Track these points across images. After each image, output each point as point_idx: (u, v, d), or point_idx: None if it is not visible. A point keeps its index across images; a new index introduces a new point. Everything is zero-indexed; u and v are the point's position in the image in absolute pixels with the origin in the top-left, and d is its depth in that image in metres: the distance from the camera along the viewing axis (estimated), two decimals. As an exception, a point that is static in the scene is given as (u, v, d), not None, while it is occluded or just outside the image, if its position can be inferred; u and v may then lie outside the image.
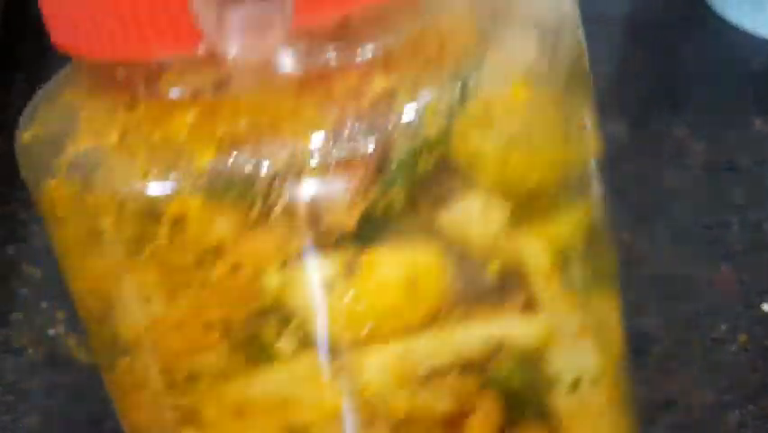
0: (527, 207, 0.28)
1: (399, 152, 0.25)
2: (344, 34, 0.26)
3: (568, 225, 0.30)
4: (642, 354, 0.52)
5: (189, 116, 0.26)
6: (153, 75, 0.27)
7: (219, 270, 0.27)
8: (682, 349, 0.53)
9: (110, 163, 0.27)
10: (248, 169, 0.25)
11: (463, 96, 0.26)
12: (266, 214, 0.25)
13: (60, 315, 0.50)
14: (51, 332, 0.49)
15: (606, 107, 0.68)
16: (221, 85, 0.26)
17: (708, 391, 0.51)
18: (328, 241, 0.26)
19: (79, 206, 0.29)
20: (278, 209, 0.25)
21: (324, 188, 0.25)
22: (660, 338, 0.53)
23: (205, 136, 0.26)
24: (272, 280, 0.26)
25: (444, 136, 0.26)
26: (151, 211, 0.27)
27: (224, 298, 0.27)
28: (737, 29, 0.77)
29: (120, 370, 0.31)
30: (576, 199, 0.31)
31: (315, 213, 0.25)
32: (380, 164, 0.25)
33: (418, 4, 0.27)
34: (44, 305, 0.50)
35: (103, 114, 0.29)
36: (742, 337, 0.54)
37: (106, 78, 0.29)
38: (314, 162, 0.25)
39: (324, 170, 0.25)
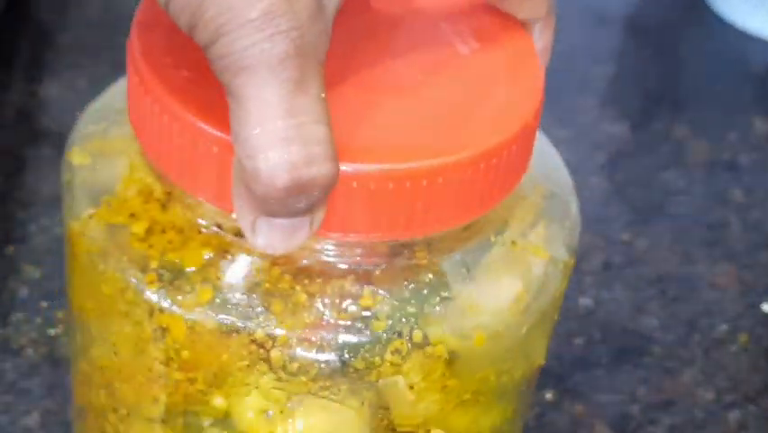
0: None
1: (354, 363, 0.30)
2: (355, 248, 0.30)
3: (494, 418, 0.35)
4: (642, 354, 0.52)
5: (207, 252, 0.30)
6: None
7: (178, 376, 0.31)
8: (683, 349, 0.53)
9: (128, 252, 0.31)
10: (230, 321, 0.30)
11: (425, 341, 0.30)
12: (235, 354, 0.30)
13: (60, 315, 0.50)
14: (51, 332, 0.49)
15: (607, 108, 0.68)
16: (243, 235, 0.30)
17: (708, 390, 0.51)
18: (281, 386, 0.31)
19: (92, 263, 0.32)
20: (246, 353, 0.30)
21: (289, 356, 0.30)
22: (660, 338, 0.53)
23: (212, 277, 0.30)
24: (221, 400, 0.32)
25: (397, 367, 0.30)
26: (143, 311, 0.31)
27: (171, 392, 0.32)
28: (737, 30, 0.77)
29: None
30: (512, 398, 0.35)
31: (280, 366, 0.30)
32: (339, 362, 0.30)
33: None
34: (44, 305, 0.50)
35: (140, 194, 0.32)
36: (742, 337, 0.54)
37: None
38: (284, 335, 0.30)
39: (290, 346, 0.30)
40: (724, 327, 0.54)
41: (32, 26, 0.68)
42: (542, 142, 0.36)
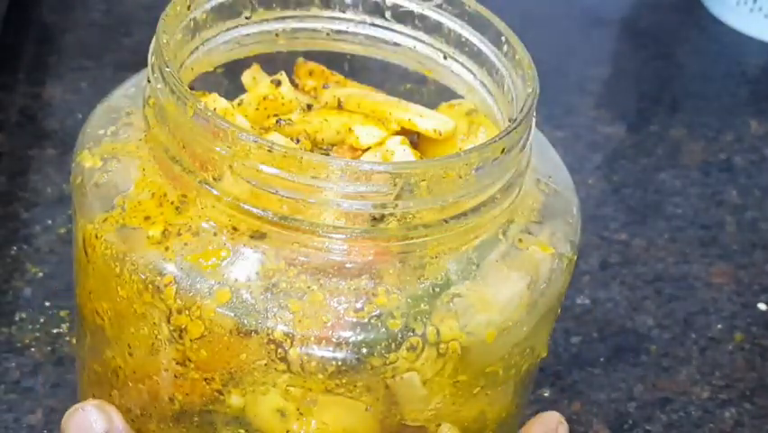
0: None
1: (370, 360, 0.31)
2: (369, 248, 0.31)
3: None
4: (639, 353, 0.53)
5: (224, 253, 0.31)
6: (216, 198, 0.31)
7: (195, 375, 0.32)
8: (679, 348, 0.53)
9: (144, 255, 0.31)
10: (248, 322, 0.30)
11: (438, 338, 0.31)
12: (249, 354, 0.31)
13: (63, 314, 0.50)
14: (55, 331, 0.50)
15: (603, 109, 0.69)
16: (259, 237, 0.31)
17: (704, 389, 0.52)
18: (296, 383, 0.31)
19: (107, 265, 0.32)
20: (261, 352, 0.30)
21: (305, 356, 0.31)
22: (657, 337, 0.54)
23: (229, 278, 0.30)
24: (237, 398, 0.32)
25: (411, 363, 0.31)
26: (161, 313, 0.31)
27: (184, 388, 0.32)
28: (734, 31, 0.77)
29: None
30: (517, 391, 0.36)
31: (298, 365, 0.31)
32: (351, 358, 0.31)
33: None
34: (47, 304, 0.50)
35: (153, 197, 0.32)
36: (738, 336, 0.54)
37: (170, 164, 0.32)
38: (302, 334, 0.30)
39: (308, 344, 0.30)
40: (719, 325, 0.55)
41: (35, 29, 0.68)
42: (543, 143, 0.37)
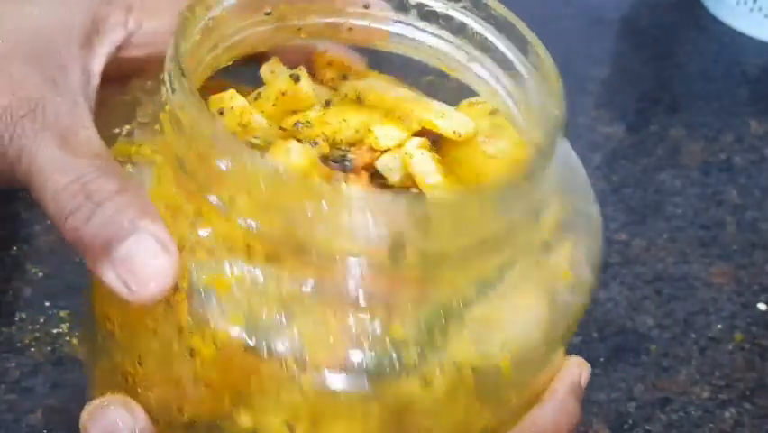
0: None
1: (382, 387, 0.30)
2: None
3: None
4: (639, 353, 0.53)
5: (238, 273, 0.30)
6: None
7: (205, 392, 0.31)
8: (679, 348, 0.53)
9: None
10: (260, 345, 0.30)
11: (452, 365, 0.30)
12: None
13: (63, 314, 0.50)
14: (55, 331, 0.50)
15: (603, 109, 0.69)
16: (274, 260, 0.30)
17: (704, 389, 0.52)
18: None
19: None
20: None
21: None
22: (657, 337, 0.54)
23: (242, 300, 0.30)
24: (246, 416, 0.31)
25: (424, 390, 0.30)
26: (172, 328, 0.31)
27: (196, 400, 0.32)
28: (733, 31, 0.77)
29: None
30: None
31: (309, 388, 0.30)
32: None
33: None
34: (47, 304, 0.50)
35: (167, 209, 0.31)
36: (738, 336, 0.54)
37: (185, 179, 0.31)
38: (313, 359, 0.30)
39: (319, 369, 0.30)
40: (719, 325, 0.55)
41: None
42: (570, 158, 0.36)
